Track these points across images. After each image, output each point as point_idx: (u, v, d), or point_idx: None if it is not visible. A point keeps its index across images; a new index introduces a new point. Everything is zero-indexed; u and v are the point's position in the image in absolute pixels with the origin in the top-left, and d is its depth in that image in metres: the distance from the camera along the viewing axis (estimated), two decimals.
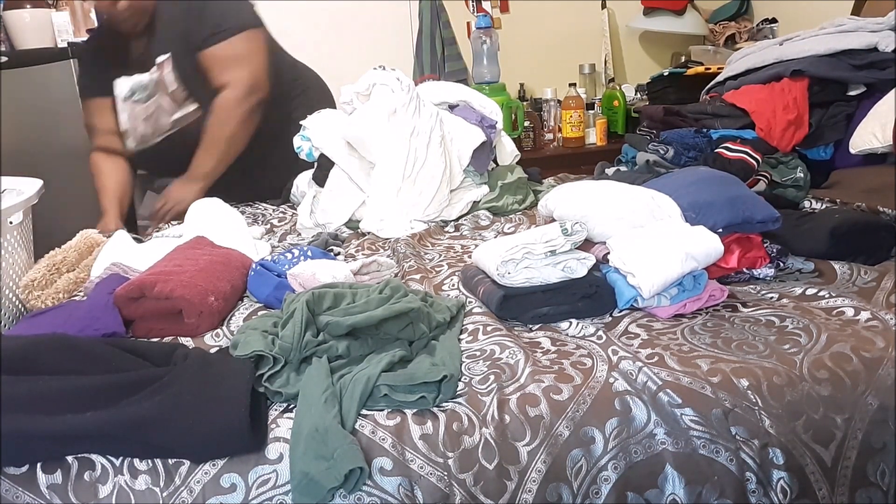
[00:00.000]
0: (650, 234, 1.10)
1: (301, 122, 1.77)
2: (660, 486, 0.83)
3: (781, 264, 1.18)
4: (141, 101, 1.89)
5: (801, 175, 1.63)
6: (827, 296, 1.08)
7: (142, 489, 0.78)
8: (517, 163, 1.88)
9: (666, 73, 2.71)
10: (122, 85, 1.90)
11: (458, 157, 1.69)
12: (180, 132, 1.92)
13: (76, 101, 2.63)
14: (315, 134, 1.72)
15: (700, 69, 2.59)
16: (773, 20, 2.98)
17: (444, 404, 0.85)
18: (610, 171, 1.80)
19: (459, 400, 0.86)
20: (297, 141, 1.77)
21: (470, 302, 1.13)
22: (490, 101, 1.83)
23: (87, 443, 0.79)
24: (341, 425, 0.80)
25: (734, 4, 3.17)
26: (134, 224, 2.92)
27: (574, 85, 3.12)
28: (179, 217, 1.76)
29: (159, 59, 1.86)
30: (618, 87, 3.19)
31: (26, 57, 2.62)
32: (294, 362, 0.90)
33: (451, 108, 1.80)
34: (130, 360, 0.88)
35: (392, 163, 1.61)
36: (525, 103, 3.20)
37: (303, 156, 1.77)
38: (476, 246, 1.27)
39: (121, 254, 1.34)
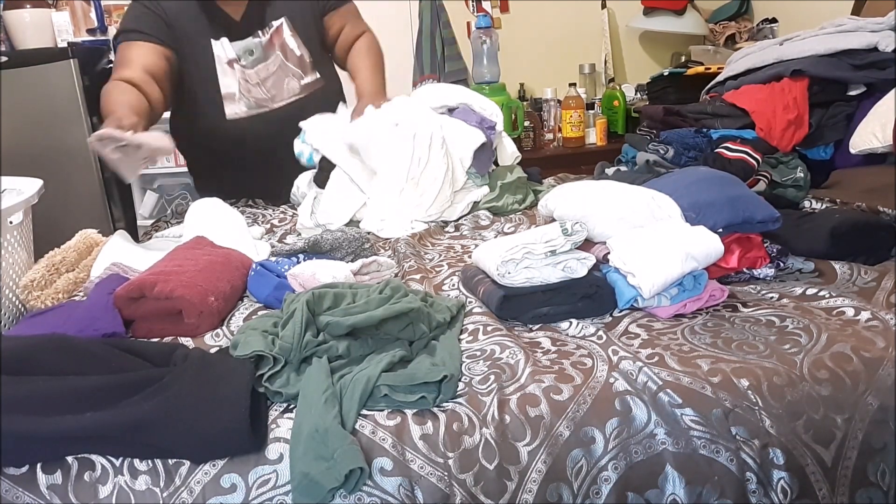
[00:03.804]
0: (650, 235, 1.10)
1: (300, 125, 1.77)
2: (660, 487, 0.83)
3: (781, 264, 1.18)
4: (249, 65, 1.82)
5: (801, 175, 1.63)
6: (827, 296, 1.07)
7: (142, 489, 0.78)
8: (517, 163, 1.88)
9: (666, 73, 2.72)
10: (225, 47, 1.80)
11: (459, 159, 1.69)
12: (288, 108, 1.87)
13: (76, 101, 2.63)
14: (315, 137, 1.72)
15: (700, 69, 2.59)
16: (773, 20, 2.99)
17: (445, 404, 0.85)
18: (610, 171, 1.80)
19: (460, 400, 0.86)
20: (297, 146, 1.76)
21: (470, 302, 1.13)
22: (490, 103, 1.83)
23: (87, 443, 0.79)
24: (341, 425, 0.80)
25: (734, 4, 3.17)
26: (134, 224, 2.93)
27: (574, 85, 3.12)
28: None
29: (275, 24, 1.83)
30: (618, 87, 3.19)
31: (26, 57, 2.63)
32: (294, 362, 0.90)
33: (451, 111, 1.80)
34: (130, 360, 0.88)
35: (395, 166, 1.63)
36: (525, 103, 3.20)
37: (303, 161, 1.76)
38: (476, 246, 1.27)
39: (121, 254, 1.34)
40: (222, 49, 1.80)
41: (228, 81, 1.82)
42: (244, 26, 1.82)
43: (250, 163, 1.90)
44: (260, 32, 1.83)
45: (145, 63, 1.72)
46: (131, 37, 1.75)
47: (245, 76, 1.83)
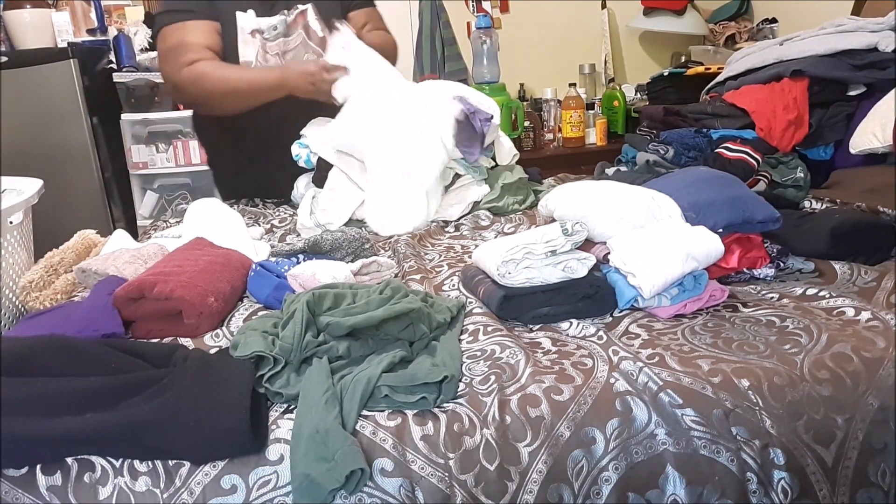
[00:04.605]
0: (651, 235, 1.10)
1: (301, 132, 1.77)
2: (661, 487, 0.83)
3: (782, 264, 1.18)
4: (271, 38, 1.82)
5: (801, 175, 1.63)
6: (827, 296, 1.07)
7: (142, 491, 0.78)
8: (517, 163, 1.87)
9: (666, 73, 2.72)
10: (248, 18, 1.80)
11: (446, 134, 1.66)
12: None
13: (76, 101, 2.64)
14: (313, 140, 1.73)
15: (700, 69, 2.59)
16: (773, 20, 2.99)
17: (445, 405, 0.85)
18: (610, 171, 1.80)
19: (460, 400, 0.85)
20: (294, 149, 1.77)
21: (470, 302, 1.13)
22: (487, 99, 1.82)
23: (87, 445, 0.79)
24: (342, 426, 0.80)
25: (734, 4, 3.18)
26: (134, 224, 2.93)
27: (574, 85, 3.12)
28: None
29: (300, 7, 1.84)
30: (618, 87, 3.20)
31: (26, 57, 2.63)
32: (294, 363, 0.90)
33: None
34: (130, 361, 0.88)
35: (386, 158, 1.63)
36: (525, 103, 3.20)
37: (301, 163, 1.77)
38: (476, 246, 1.27)
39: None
40: (246, 20, 1.81)
41: (247, 50, 1.82)
42: (271, 1, 1.83)
43: (266, 136, 1.88)
44: (286, 11, 1.83)
45: (208, 43, 1.75)
46: (182, 17, 1.75)
47: (265, 47, 1.83)
